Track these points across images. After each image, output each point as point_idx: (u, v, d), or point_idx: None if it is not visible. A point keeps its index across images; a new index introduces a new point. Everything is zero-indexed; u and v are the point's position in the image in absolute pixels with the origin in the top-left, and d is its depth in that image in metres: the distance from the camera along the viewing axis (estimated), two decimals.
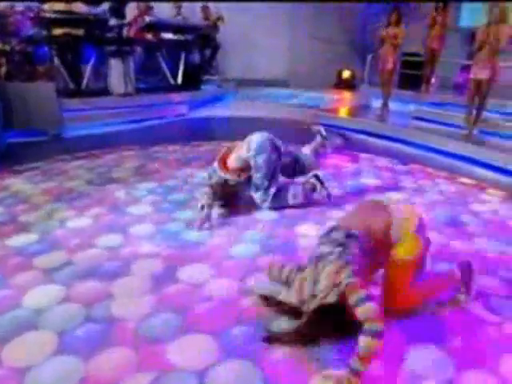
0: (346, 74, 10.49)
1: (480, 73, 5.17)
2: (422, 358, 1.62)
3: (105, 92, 6.37)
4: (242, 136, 3.05)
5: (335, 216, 2.96)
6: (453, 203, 3.32)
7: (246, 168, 2.96)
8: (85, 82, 6.37)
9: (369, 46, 10.41)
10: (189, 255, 2.34)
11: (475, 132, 5.44)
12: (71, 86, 6.26)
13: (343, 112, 7.59)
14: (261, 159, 2.92)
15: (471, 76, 5.33)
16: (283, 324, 1.72)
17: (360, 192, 3.52)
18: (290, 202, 3.08)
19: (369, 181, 3.83)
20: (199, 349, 1.62)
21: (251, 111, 6.91)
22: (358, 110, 7.73)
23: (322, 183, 3.14)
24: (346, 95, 9.00)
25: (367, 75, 8.68)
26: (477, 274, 1.97)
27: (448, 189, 3.69)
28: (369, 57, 8.49)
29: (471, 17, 8.60)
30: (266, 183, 2.99)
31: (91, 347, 1.61)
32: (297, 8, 9.65)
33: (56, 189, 3.29)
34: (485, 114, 5.51)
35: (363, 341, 1.41)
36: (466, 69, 8.86)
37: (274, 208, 3.04)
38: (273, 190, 3.01)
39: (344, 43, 10.54)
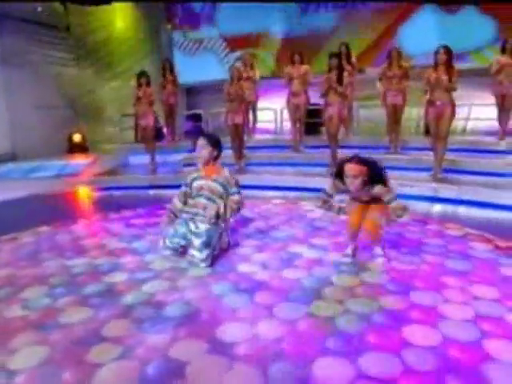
0: (77, 137, 10.15)
1: (234, 119, 6.50)
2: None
3: None
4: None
5: (250, 252, 3.37)
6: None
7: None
8: None
9: (89, 107, 10.57)
10: (202, 326, 2.29)
11: (242, 165, 6.77)
12: None
13: (110, 173, 7.56)
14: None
15: (228, 123, 6.57)
16: None
17: (235, 232, 3.97)
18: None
19: None
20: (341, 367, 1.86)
21: (19, 191, 6.08)
22: (124, 169, 7.93)
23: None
24: (96, 158, 8.81)
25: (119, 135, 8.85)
26: None
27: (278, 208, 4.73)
28: (117, 116, 8.72)
29: (186, 75, 10.22)
30: (215, 241, 3.09)
31: None
32: (13, 76, 8.80)
33: None
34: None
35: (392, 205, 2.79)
36: (190, 118, 10.48)
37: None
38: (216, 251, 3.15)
39: (66, 107, 10.27)
